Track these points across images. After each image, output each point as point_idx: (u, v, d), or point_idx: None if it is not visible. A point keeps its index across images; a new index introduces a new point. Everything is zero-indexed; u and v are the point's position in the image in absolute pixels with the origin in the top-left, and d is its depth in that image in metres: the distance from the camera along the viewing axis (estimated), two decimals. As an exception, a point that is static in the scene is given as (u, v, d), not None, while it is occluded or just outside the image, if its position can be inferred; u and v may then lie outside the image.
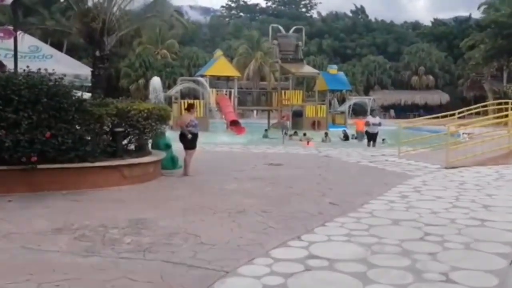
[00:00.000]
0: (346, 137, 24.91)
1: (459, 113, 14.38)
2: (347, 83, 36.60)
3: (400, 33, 73.71)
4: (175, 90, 30.50)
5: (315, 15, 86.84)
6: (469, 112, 15.15)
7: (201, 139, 11.00)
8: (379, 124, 17.52)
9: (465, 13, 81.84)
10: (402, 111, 57.38)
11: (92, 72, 10.37)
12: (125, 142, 9.53)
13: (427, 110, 53.95)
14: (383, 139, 20.52)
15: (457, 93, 60.85)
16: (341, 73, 36.58)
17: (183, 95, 33.85)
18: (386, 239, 5.37)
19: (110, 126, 8.92)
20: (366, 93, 58.30)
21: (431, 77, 61.00)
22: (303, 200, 7.62)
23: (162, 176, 10.14)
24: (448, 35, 68.92)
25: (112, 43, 10.41)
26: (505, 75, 40.40)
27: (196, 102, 29.94)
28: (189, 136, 10.25)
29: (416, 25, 79.33)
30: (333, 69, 35.66)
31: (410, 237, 5.46)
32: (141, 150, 10.08)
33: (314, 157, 14.14)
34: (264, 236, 5.53)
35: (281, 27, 35.55)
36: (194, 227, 5.85)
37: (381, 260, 4.66)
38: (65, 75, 8.57)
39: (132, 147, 10.10)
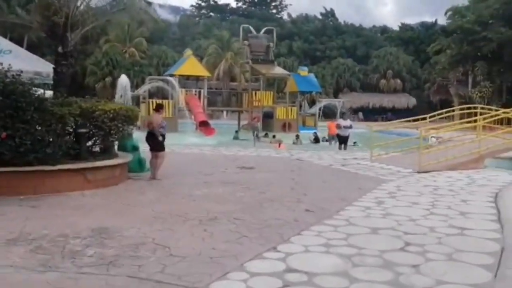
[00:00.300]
0: (316, 140, 24.85)
1: (430, 117, 14.40)
2: (318, 85, 36.69)
3: (369, 37, 74.64)
4: (143, 90, 29.84)
5: (285, 17, 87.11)
6: (441, 116, 15.19)
7: (170, 140, 10.61)
8: (350, 127, 17.41)
9: (430, 19, 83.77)
10: (370, 113, 58.16)
11: (55, 69, 9.79)
12: (89, 143, 9.03)
13: (395, 113, 54.85)
14: (354, 142, 20.50)
15: (423, 97, 62.13)
16: (312, 75, 36.67)
17: (151, 94, 33.18)
18: (366, 250, 5.12)
19: (73, 126, 8.42)
20: (336, 95, 58.79)
21: (398, 81, 62.01)
22: (277, 207, 7.32)
23: (129, 179, 9.68)
24: (415, 40, 70.34)
25: (76, 39, 9.85)
26: (470, 80, 41.31)
27: (165, 102, 29.39)
28: (160, 138, 9.85)
29: (384, 29, 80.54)
30: (303, 70, 35.68)
31: (391, 247, 5.24)
32: (106, 152, 9.58)
33: (286, 160, 13.89)
34: (238, 246, 5.20)
35: (252, 28, 35.33)
36: (163, 237, 5.47)
37: (362, 274, 4.40)
38: (22, 72, 8.00)
39: (97, 149, 9.60)
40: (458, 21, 39.71)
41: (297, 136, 24.03)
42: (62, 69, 9.53)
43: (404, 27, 76.19)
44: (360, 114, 57.63)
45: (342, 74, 63.47)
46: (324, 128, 33.06)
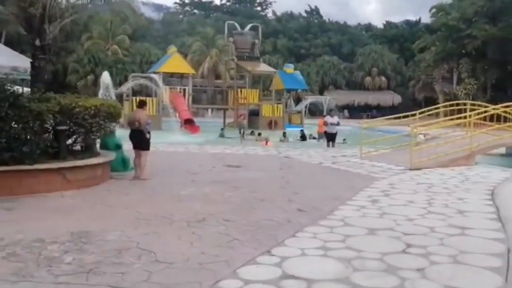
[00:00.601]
0: (303, 138, 24.57)
1: (420, 113, 14.18)
2: (304, 82, 36.41)
3: (354, 35, 74.74)
4: (126, 87, 29.22)
5: (270, 15, 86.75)
6: (430, 112, 14.98)
7: (154, 138, 10.19)
8: (338, 124, 17.14)
9: (414, 17, 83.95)
10: (356, 111, 58.15)
11: (32, 63, 9.29)
12: (69, 142, 8.58)
13: (380, 110, 54.93)
14: (343, 139, 20.25)
15: (408, 95, 62.38)
16: (298, 72, 36.37)
17: (135, 92, 32.51)
18: (365, 252, 4.81)
19: (52, 124, 7.96)
20: (321, 93, 58.66)
21: (383, 78, 62.15)
22: (268, 207, 6.98)
23: (111, 179, 9.24)
24: (399, 38, 70.62)
25: (55, 32, 9.37)
26: (455, 77, 41.45)
27: (149, 99, 28.83)
28: (147, 135, 9.46)
29: (369, 27, 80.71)
30: (289, 68, 35.36)
31: (392, 250, 4.93)
32: (88, 150, 9.14)
33: (275, 158, 13.56)
34: (229, 250, 4.84)
35: (237, 25, 34.89)
36: (148, 241, 5.09)
37: (365, 279, 4.09)
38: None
39: (77, 147, 9.16)
40: (443, 18, 39.81)
41: (284, 134, 23.73)
42: (39, 63, 9.03)
43: (389, 25, 76.45)
44: (346, 112, 57.61)
45: (327, 72, 63.36)
46: (310, 125, 32.91)
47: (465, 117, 12.86)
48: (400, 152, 13.62)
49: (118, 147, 10.35)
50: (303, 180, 9.59)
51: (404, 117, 14.55)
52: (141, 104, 9.78)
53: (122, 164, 10.38)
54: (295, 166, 11.73)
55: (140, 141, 9.43)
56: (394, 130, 18.93)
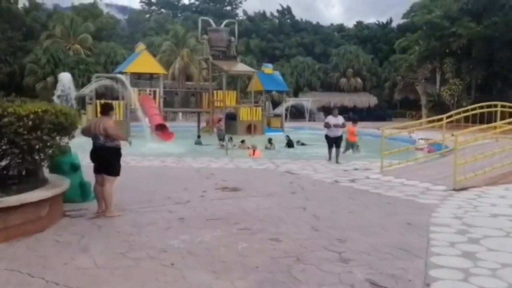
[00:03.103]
0: (290, 144, 21.99)
1: (447, 117, 11.83)
2: (284, 83, 33.91)
3: (327, 35, 72.83)
4: (89, 89, 25.96)
5: (241, 14, 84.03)
6: (457, 116, 12.61)
7: (122, 149, 7.30)
8: (343, 125, 13.75)
9: (373, 20, 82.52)
10: (331, 113, 56.06)
11: None
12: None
13: (356, 112, 53.09)
14: (357, 146, 17.63)
15: (383, 96, 61.00)
16: (277, 73, 33.88)
17: (100, 95, 29.26)
18: None
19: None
20: (296, 95, 56.39)
21: (359, 80, 60.35)
22: (314, 274, 4.35)
23: (64, 218, 6.42)
24: (372, 39, 69.21)
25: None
26: (438, 78, 39.83)
27: (116, 103, 25.74)
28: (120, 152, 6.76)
29: (341, 28, 79.00)
30: (268, 68, 32.81)
31: None
32: (29, 177, 6.32)
33: (276, 175, 10.92)
34: None
35: (211, 21, 32.06)
36: None
37: None
38: None
39: (14, 172, 6.32)
40: (425, 15, 38.07)
41: (270, 140, 21.05)
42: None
43: (360, 26, 75.00)
44: (321, 114, 55.45)
45: (301, 73, 61.06)
46: (290, 130, 30.44)
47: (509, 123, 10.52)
48: (427, 165, 11.27)
49: (74, 168, 7.54)
50: (334, 213, 6.97)
51: (429, 122, 12.14)
52: (106, 109, 6.90)
53: (80, 192, 7.57)
54: (308, 188, 9.11)
55: (107, 163, 6.64)
56: (401, 137, 16.59)
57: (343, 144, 14.12)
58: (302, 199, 7.90)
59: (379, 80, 62.45)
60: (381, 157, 11.02)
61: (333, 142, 13.56)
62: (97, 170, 6.81)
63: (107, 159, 6.61)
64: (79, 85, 35.03)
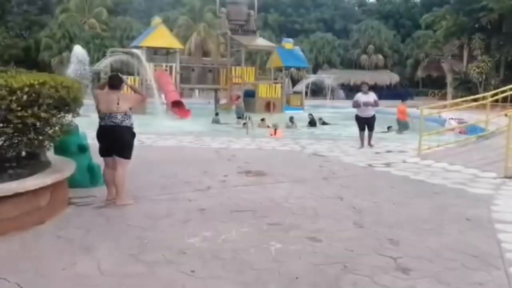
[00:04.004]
0: (312, 123, 21.02)
1: (493, 95, 10.71)
2: (304, 59, 32.71)
3: (347, 10, 70.77)
4: (104, 64, 25.20)
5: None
6: (504, 94, 11.44)
7: (138, 127, 6.39)
8: (375, 104, 11.62)
9: None
10: (351, 91, 54.60)
11: None
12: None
13: (377, 90, 51.49)
14: (388, 127, 16.59)
15: (405, 74, 59.12)
16: (297, 48, 32.67)
17: (115, 70, 28.51)
18: None
19: None
20: (315, 72, 54.94)
21: (380, 57, 58.51)
22: (372, 290, 3.48)
23: (69, 206, 5.65)
24: (394, 14, 66.88)
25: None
26: (465, 55, 38.07)
27: (131, 78, 24.97)
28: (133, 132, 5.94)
29: (361, 3, 76.67)
30: (288, 43, 31.63)
31: None
32: (29, 160, 5.53)
33: (303, 157, 10.01)
34: None
35: (230, -7, 30.77)
36: None
37: None
38: None
39: (13, 153, 5.53)
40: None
41: (291, 119, 20.10)
42: None
43: (382, 0, 72.56)
44: (342, 92, 54.06)
45: (321, 50, 59.46)
46: (310, 108, 29.39)
47: None
48: (470, 148, 10.25)
49: (82, 149, 6.74)
50: (376, 204, 6.05)
51: (473, 100, 11.05)
52: (115, 83, 5.95)
53: (88, 176, 6.78)
54: (340, 173, 8.20)
55: (123, 143, 5.80)
56: (430, 117, 15.45)
57: (395, 125, 12.74)
58: (337, 187, 6.99)
59: (401, 57, 60.54)
60: (419, 139, 10.00)
61: (364, 123, 11.68)
62: (107, 152, 5.97)
63: (123, 139, 5.76)
64: (94, 60, 34.32)
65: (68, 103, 5.10)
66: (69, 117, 5.49)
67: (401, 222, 5.21)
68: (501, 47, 34.92)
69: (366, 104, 11.58)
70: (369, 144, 11.58)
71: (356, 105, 11.75)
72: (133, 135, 5.88)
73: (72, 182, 6.14)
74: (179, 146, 11.47)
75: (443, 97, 36.64)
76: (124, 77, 6.09)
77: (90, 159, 6.85)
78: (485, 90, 34.79)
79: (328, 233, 4.79)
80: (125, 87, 6.10)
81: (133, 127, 5.84)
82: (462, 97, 35.03)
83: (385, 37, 59.84)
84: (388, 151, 10.89)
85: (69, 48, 42.39)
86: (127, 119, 5.73)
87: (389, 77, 58.07)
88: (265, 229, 4.90)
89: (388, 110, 22.91)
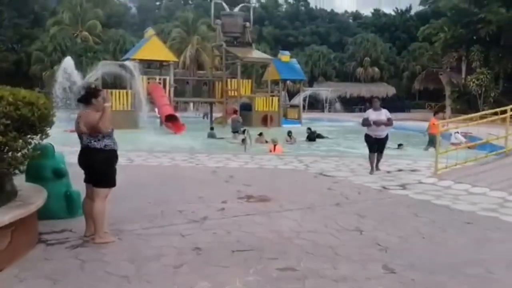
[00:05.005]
0: (311, 138, 20.14)
1: (512, 109, 9.89)
2: (301, 72, 32.01)
3: (342, 23, 70.49)
4: (95, 76, 24.28)
5: (253, 0, 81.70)
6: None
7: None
8: (389, 123, 9.92)
9: (389, 9, 78.62)
10: (347, 104, 53.89)
11: None
12: None
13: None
14: (399, 145, 15.66)
15: (402, 86, 58.59)
16: (294, 61, 31.95)
17: (107, 84, 27.60)
18: None
19: None
20: (311, 84, 54.30)
21: (376, 69, 58.04)
22: None
23: (37, 246, 4.69)
24: (390, 26, 66.61)
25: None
26: (463, 67, 37.50)
27: (123, 92, 24.16)
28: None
29: (356, 16, 76.51)
30: (285, 55, 30.94)
31: None
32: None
33: (309, 178, 9.08)
34: None
35: (225, 4, 30.06)
36: None
37: None
38: None
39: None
40: (451, 1, 35.74)
41: (290, 133, 19.22)
42: None
43: (377, 13, 72.33)
44: (337, 105, 53.33)
45: (316, 62, 58.89)
46: (308, 122, 28.54)
47: None
48: (489, 168, 9.37)
49: (58, 175, 5.81)
50: (403, 239, 5.14)
51: (493, 114, 10.21)
52: (89, 98, 4.88)
53: (66, 205, 5.84)
54: (353, 197, 7.29)
55: (95, 169, 4.87)
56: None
57: (425, 139, 11.30)
58: (353, 216, 6.08)
59: (397, 70, 60.07)
60: (435, 157, 9.12)
61: (375, 145, 10.03)
62: (86, 179, 5.06)
63: (94, 164, 4.84)
64: (87, 73, 33.40)
65: (32, 123, 4.17)
66: (36, 138, 4.56)
67: (440, 266, 4.29)
68: (500, 59, 34.39)
69: (377, 123, 9.89)
70: (377, 168, 10.09)
71: (366, 123, 10.01)
72: (107, 159, 4.90)
73: (46, 212, 5.22)
74: (172, 165, 10.52)
75: (441, 109, 35.84)
76: (104, 90, 5.10)
77: (68, 186, 5.92)
78: (485, 102, 34.16)
79: (354, 282, 3.87)
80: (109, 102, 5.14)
81: (110, 148, 4.88)
82: (461, 109, 34.65)
83: (381, 49, 59.44)
84: (399, 170, 10.01)
85: (61, 62, 41.56)
86: (94, 141, 4.77)
87: (386, 90, 57.51)
88: (275, 277, 3.97)
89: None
